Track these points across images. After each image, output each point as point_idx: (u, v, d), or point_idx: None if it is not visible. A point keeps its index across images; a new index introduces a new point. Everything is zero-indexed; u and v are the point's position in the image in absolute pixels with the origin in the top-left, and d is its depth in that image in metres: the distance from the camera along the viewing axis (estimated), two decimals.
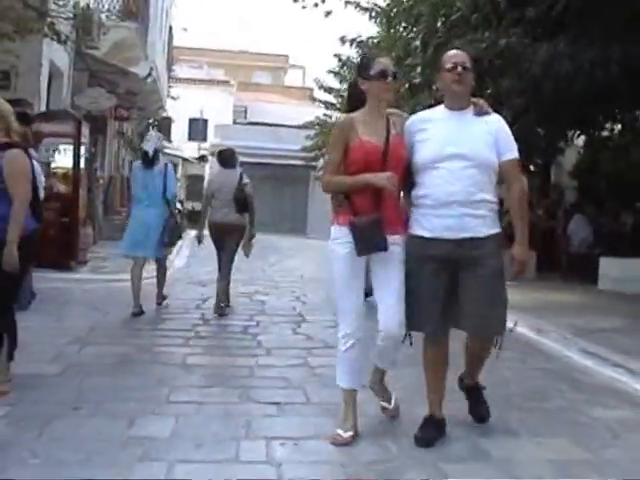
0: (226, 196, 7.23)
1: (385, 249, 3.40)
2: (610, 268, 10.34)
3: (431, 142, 3.49)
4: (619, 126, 14.04)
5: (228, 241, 7.26)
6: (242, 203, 7.22)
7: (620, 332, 6.72)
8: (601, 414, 4.21)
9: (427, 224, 3.47)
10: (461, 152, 3.41)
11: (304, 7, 10.15)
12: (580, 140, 14.85)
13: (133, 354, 5.28)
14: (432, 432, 3.51)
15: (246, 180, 7.41)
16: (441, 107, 3.64)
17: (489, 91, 8.79)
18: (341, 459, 3.19)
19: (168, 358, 5.18)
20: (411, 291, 3.50)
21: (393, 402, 3.84)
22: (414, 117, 3.69)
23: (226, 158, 7.62)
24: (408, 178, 3.54)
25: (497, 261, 3.48)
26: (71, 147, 10.56)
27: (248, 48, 45.66)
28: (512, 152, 3.54)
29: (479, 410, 3.84)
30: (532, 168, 16.22)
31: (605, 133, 14.37)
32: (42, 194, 7.05)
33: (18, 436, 3.41)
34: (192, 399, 4.11)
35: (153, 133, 8.43)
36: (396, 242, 3.49)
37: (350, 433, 3.42)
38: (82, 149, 10.74)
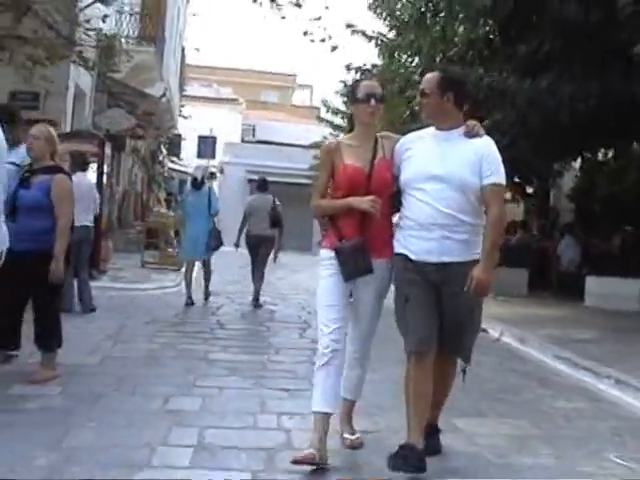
0: (262, 214, 9.34)
1: (369, 273, 3.42)
2: (595, 286, 11.06)
3: (413, 162, 3.48)
4: (613, 150, 14.78)
5: (262, 249, 9.38)
6: (275, 220, 9.39)
7: (593, 342, 7.44)
8: (561, 405, 4.97)
9: (410, 246, 3.43)
10: (439, 173, 3.36)
11: (312, 41, 11.00)
12: (578, 164, 15.59)
13: (159, 350, 6.05)
14: (409, 460, 3.21)
15: (278, 203, 9.40)
16: (431, 128, 3.59)
17: (487, 121, 9.58)
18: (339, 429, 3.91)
19: (191, 354, 5.94)
20: (403, 307, 3.44)
21: (356, 436, 3.69)
22: (404, 138, 3.65)
23: (261, 185, 9.84)
24: (397, 199, 3.54)
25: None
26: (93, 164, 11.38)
27: (256, 67, 46.53)
28: (494, 176, 3.39)
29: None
30: (530, 191, 17.02)
31: (601, 157, 15.11)
32: (97, 210, 8.03)
33: (74, 407, 4.15)
34: (215, 385, 4.87)
35: (201, 164, 10.51)
36: (382, 267, 3.49)
37: (311, 451, 3.25)
38: (105, 167, 11.58)
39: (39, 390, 4.46)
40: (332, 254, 3.46)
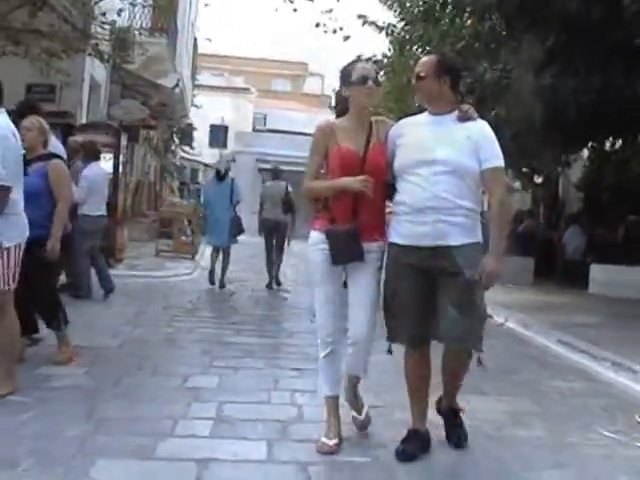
0: (275, 199, 10.02)
1: (360, 259, 3.39)
2: (599, 274, 11.30)
3: (407, 147, 3.43)
4: (620, 141, 14.91)
5: (277, 234, 10.13)
6: (287, 206, 10.04)
7: (594, 327, 7.69)
8: (558, 384, 5.24)
9: (403, 230, 3.40)
10: (435, 157, 3.32)
11: (325, 32, 11.22)
12: (586, 153, 15.73)
13: (177, 333, 6.37)
14: (415, 446, 3.48)
15: (290, 189, 10.12)
16: (425, 113, 3.56)
17: (493, 113, 9.76)
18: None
19: (206, 337, 6.25)
20: (391, 298, 3.45)
21: (364, 413, 3.78)
22: (397, 123, 3.61)
23: (276, 172, 10.63)
24: (392, 189, 3.50)
25: (472, 272, 3.29)
26: (108, 155, 11.69)
27: (268, 56, 46.62)
28: (493, 160, 3.37)
29: (455, 435, 3.69)
30: (538, 180, 17.17)
31: (609, 147, 15.24)
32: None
33: (100, 386, 4.46)
34: (230, 365, 5.18)
35: (225, 156, 11.16)
36: (373, 250, 3.46)
37: (335, 441, 3.46)
38: (120, 157, 11.90)
39: (65, 370, 4.76)
40: (323, 237, 3.43)
